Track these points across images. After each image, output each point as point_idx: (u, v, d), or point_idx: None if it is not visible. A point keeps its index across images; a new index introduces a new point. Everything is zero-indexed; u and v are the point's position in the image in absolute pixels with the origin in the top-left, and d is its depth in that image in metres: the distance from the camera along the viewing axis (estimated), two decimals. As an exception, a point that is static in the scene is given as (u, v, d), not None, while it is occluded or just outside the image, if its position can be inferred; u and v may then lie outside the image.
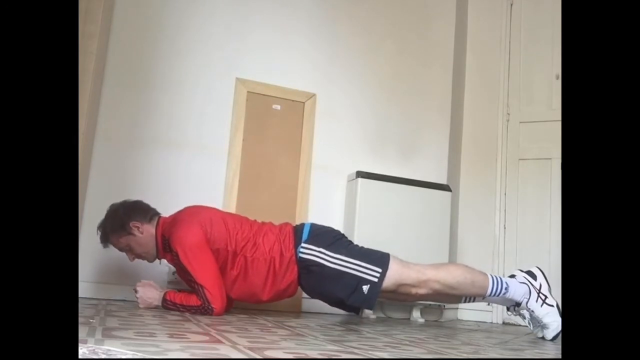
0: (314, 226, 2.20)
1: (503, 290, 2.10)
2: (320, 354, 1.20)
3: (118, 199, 2.23)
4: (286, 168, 2.87)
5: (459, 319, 3.10)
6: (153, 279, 2.25)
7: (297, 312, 2.67)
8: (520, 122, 3.25)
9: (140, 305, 2.10)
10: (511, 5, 3.38)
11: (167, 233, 2.11)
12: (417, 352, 1.40)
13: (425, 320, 2.83)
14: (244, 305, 2.48)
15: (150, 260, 2.21)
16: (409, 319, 2.87)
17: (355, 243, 2.22)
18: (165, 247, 2.12)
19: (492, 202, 3.21)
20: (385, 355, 1.27)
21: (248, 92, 2.84)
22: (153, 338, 1.24)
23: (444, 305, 2.92)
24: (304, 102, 2.95)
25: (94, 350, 0.97)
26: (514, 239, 3.13)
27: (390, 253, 2.13)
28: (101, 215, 2.18)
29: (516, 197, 3.18)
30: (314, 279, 2.11)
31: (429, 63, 3.30)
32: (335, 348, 1.34)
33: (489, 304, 3.11)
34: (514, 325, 2.97)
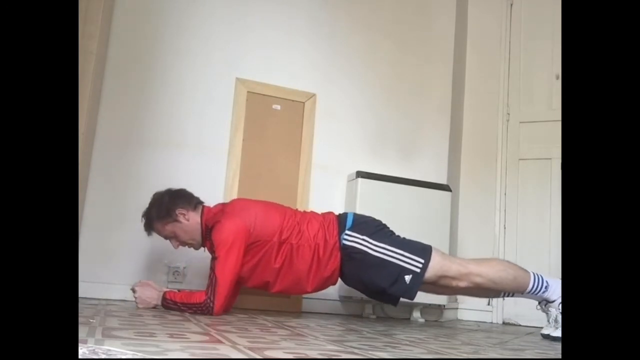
0: (357, 215, 2.24)
1: (543, 289, 2.10)
2: (320, 354, 1.20)
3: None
4: (286, 168, 2.87)
5: (459, 319, 3.10)
6: (152, 279, 2.25)
7: (297, 312, 2.67)
8: (520, 122, 3.25)
9: (139, 305, 2.10)
10: (511, 5, 3.38)
11: (211, 222, 2.13)
12: (417, 352, 1.40)
13: (425, 320, 2.83)
14: (244, 305, 2.48)
15: (197, 248, 2.23)
16: (409, 319, 2.87)
17: (397, 234, 2.22)
18: (207, 235, 2.14)
19: (492, 202, 3.21)
20: (385, 355, 1.27)
21: (248, 92, 2.84)
22: (153, 338, 1.24)
23: (444, 305, 2.92)
24: (304, 102, 2.95)
25: (94, 350, 0.97)
26: (514, 239, 3.13)
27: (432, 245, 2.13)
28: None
29: (516, 197, 3.18)
30: (357, 267, 2.11)
31: (429, 63, 3.30)
32: (335, 348, 1.34)
33: (489, 304, 3.11)
34: (514, 325, 2.97)
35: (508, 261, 2.21)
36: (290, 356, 1.13)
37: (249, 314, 2.22)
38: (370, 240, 2.10)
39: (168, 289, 2.15)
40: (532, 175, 3.16)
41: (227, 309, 2.14)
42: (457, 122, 3.32)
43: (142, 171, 2.62)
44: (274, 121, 2.87)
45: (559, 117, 2.76)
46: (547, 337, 2.11)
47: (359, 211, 2.77)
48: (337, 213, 2.28)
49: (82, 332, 1.23)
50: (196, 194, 2.25)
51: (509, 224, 3.16)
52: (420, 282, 2.05)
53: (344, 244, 2.12)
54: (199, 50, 2.81)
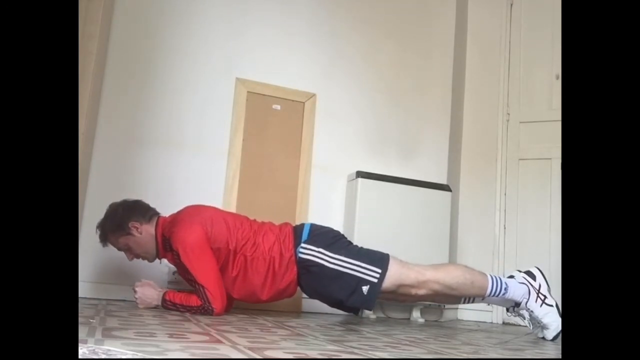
0: (313, 226, 2.20)
1: (502, 291, 2.10)
2: (320, 354, 1.20)
3: (118, 199, 2.23)
4: (286, 168, 2.87)
5: (459, 319, 3.10)
6: (153, 279, 2.25)
7: (297, 312, 2.67)
8: (520, 122, 3.25)
9: (139, 305, 2.10)
10: (511, 5, 3.38)
11: (167, 233, 2.11)
12: (417, 352, 1.40)
13: (425, 320, 2.83)
14: (244, 305, 2.48)
15: (150, 260, 2.21)
16: (409, 319, 2.87)
17: (354, 243, 2.22)
18: (166, 247, 2.12)
19: (492, 202, 3.20)
20: (385, 355, 1.27)
21: (248, 92, 2.84)
22: (153, 338, 1.24)
23: (444, 305, 2.92)
24: (304, 102, 2.95)
25: (94, 350, 0.97)
26: (514, 239, 3.13)
27: (390, 253, 2.12)
28: (101, 215, 2.18)
29: (516, 197, 3.17)
30: (314, 279, 2.10)
31: (428, 63, 3.30)
32: (335, 348, 1.34)
33: (488, 304, 3.10)
34: (514, 325, 2.97)
35: (465, 266, 2.20)
36: (290, 356, 1.13)
37: (249, 314, 2.22)
38: (326, 252, 2.08)
39: (168, 289, 2.15)
40: (532, 175, 3.15)
41: (227, 308, 2.13)
42: (457, 122, 3.32)
43: (142, 171, 2.62)
44: (274, 121, 2.87)
45: (559, 117, 2.76)
46: (544, 339, 2.11)
47: (359, 211, 2.78)
48: (294, 224, 2.25)
49: (82, 332, 1.23)
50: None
51: (509, 224, 3.16)
52: (378, 292, 2.04)
53: (299, 257, 2.09)
54: (199, 50, 2.82)
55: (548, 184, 3.07)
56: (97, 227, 2.16)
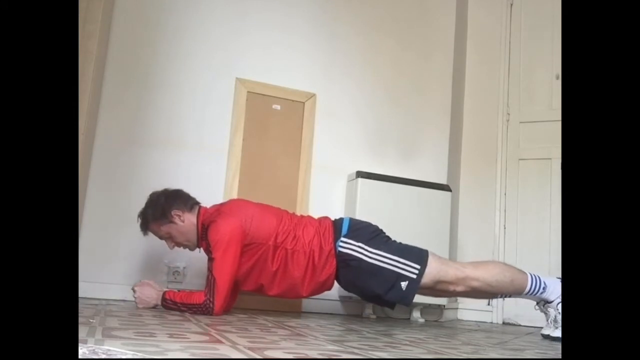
0: (353, 221, 2.22)
1: (541, 290, 2.09)
2: (320, 354, 1.20)
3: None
4: (286, 168, 2.87)
5: (459, 319, 3.10)
6: (153, 279, 2.25)
7: (297, 312, 2.67)
8: (520, 122, 3.25)
9: (139, 305, 2.10)
10: (511, 5, 3.38)
11: (207, 222, 2.12)
12: (417, 352, 1.40)
13: (425, 320, 2.83)
14: (244, 305, 2.48)
15: (192, 249, 2.22)
16: (409, 319, 2.87)
17: (393, 239, 2.22)
18: (203, 236, 2.13)
19: (492, 202, 3.21)
20: (385, 355, 1.27)
21: (248, 92, 2.84)
22: (153, 338, 1.24)
23: (444, 305, 2.92)
24: (304, 102, 2.95)
25: (94, 350, 0.97)
26: (514, 239, 3.13)
27: (429, 250, 2.13)
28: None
29: (516, 197, 3.18)
30: (352, 274, 2.11)
31: (429, 63, 3.30)
32: (335, 348, 1.34)
33: (489, 304, 3.11)
34: (514, 325, 2.97)
35: (505, 263, 2.21)
36: (290, 356, 1.13)
37: (249, 314, 2.22)
38: (366, 247, 2.09)
39: (168, 289, 2.15)
40: (532, 175, 3.16)
41: (227, 309, 2.14)
42: (457, 122, 3.32)
43: (142, 171, 2.62)
44: (274, 121, 2.87)
45: (559, 117, 2.75)
46: (547, 337, 2.10)
47: (358, 211, 2.77)
48: (333, 218, 2.26)
49: (82, 332, 1.23)
50: (196, 194, 2.25)
51: (509, 224, 3.16)
52: (417, 288, 2.05)
53: (339, 251, 2.11)
54: (199, 50, 2.81)
55: (548, 184, 3.07)
56: (138, 216, 2.16)
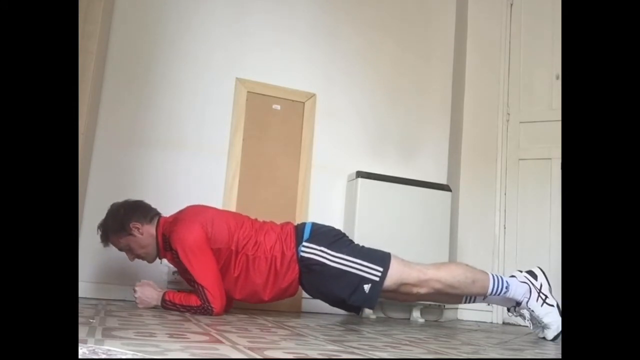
0: (315, 225, 2.20)
1: (504, 289, 2.09)
2: (320, 354, 1.20)
3: (118, 199, 2.23)
4: (286, 168, 2.87)
5: (459, 319, 3.10)
6: (153, 279, 2.25)
7: (297, 312, 2.67)
8: (520, 122, 3.24)
9: (139, 306, 2.10)
10: (511, 5, 3.38)
11: (167, 232, 2.11)
12: (417, 352, 1.40)
13: (425, 320, 2.83)
14: (244, 305, 2.48)
15: (150, 261, 2.21)
16: (409, 319, 2.87)
17: (355, 242, 2.22)
18: (166, 246, 2.12)
19: (492, 202, 3.20)
20: (385, 355, 1.27)
21: (248, 92, 2.84)
22: (153, 338, 1.24)
23: (444, 305, 2.92)
24: (304, 102, 2.95)
25: (94, 350, 0.97)
26: (514, 239, 3.13)
27: (391, 252, 2.12)
28: (101, 215, 2.18)
29: (516, 197, 3.17)
30: (315, 278, 2.10)
31: (429, 63, 3.30)
32: (335, 348, 1.34)
33: (489, 304, 3.10)
34: (514, 325, 2.97)
35: (467, 265, 2.19)
36: (290, 356, 1.13)
37: (249, 314, 2.22)
38: (328, 251, 2.08)
39: (168, 290, 2.15)
40: (532, 175, 3.15)
41: (227, 308, 2.13)
42: (457, 122, 3.32)
43: (142, 171, 2.62)
44: (274, 121, 2.87)
45: (559, 117, 2.76)
46: (544, 339, 2.11)
47: (358, 211, 2.78)
48: (295, 223, 2.25)
49: (82, 332, 1.23)
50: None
51: (509, 223, 3.16)
52: (380, 290, 2.04)
53: (301, 256, 2.09)
54: (199, 50, 2.82)
55: (548, 184, 3.07)
56: (99, 227, 2.15)
